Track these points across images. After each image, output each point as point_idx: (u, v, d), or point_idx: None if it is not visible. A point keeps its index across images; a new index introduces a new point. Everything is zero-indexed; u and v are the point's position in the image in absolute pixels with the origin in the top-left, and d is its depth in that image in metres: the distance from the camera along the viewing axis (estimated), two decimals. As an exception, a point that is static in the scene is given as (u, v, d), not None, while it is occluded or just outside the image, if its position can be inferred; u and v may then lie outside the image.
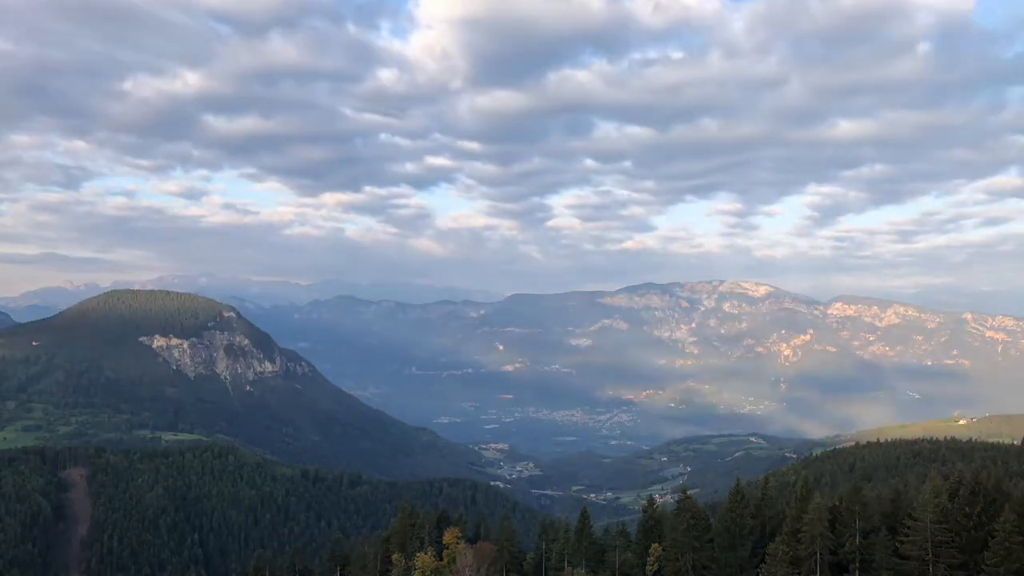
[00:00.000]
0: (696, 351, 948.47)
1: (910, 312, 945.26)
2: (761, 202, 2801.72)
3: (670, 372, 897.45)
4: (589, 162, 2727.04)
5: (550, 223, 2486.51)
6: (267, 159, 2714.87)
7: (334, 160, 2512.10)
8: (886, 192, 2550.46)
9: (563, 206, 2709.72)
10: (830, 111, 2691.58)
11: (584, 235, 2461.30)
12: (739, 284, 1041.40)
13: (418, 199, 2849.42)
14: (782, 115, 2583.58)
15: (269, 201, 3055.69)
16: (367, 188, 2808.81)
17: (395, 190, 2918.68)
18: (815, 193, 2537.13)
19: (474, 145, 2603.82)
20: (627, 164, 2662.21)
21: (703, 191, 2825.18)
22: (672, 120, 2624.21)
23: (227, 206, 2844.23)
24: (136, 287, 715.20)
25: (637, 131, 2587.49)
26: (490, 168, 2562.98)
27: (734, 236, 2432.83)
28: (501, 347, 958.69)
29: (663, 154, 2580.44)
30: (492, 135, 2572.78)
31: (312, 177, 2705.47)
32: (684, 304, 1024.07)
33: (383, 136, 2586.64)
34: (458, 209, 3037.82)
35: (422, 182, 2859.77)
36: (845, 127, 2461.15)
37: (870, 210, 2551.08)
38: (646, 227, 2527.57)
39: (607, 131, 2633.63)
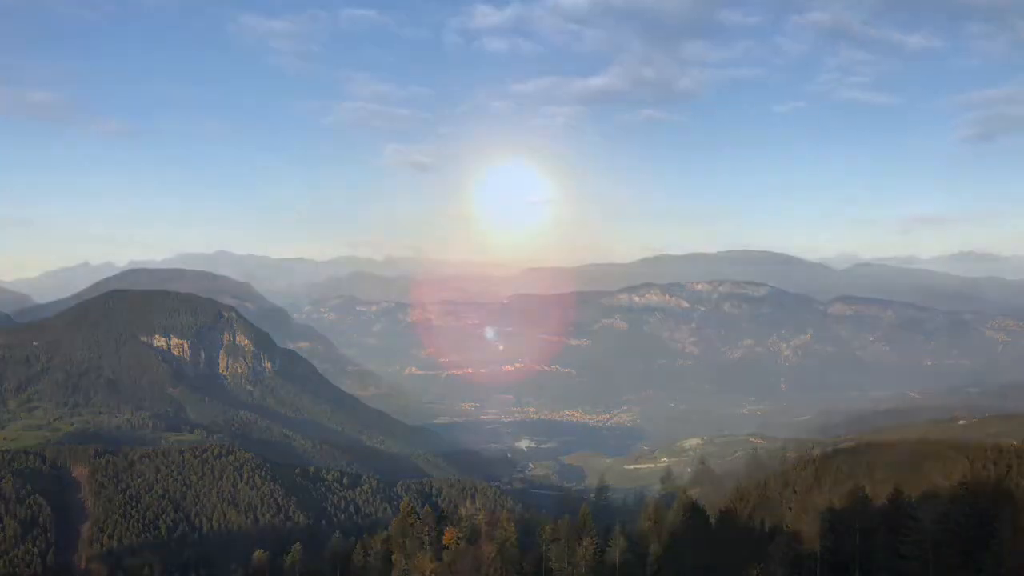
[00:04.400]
0: (696, 351, 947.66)
1: (910, 312, 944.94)
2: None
3: (670, 372, 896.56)
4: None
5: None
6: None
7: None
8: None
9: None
10: None
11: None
12: (740, 284, 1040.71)
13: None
14: None
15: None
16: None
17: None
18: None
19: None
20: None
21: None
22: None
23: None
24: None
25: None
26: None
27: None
28: (501, 347, 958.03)
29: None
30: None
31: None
32: (684, 304, 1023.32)
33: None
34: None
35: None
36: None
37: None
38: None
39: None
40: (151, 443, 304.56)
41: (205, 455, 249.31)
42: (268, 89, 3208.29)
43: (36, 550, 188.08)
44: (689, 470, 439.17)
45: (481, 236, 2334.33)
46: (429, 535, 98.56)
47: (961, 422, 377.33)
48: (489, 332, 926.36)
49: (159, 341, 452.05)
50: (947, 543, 67.26)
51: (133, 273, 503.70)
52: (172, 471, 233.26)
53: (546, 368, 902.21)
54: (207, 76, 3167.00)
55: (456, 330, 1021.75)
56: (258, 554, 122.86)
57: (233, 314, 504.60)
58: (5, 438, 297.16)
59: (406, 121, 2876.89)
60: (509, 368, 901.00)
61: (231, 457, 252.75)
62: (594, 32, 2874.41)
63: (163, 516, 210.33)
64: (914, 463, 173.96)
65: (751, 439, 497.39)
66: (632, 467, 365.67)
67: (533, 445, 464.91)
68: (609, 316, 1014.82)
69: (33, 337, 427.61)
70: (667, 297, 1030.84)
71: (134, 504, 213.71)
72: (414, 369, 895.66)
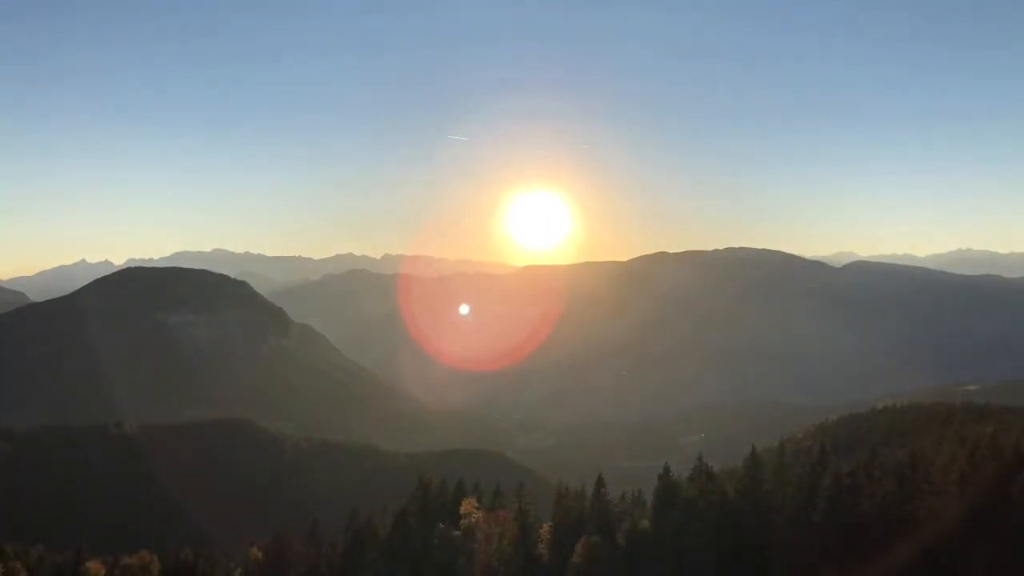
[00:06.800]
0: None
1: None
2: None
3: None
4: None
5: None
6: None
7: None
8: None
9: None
10: None
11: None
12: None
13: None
14: None
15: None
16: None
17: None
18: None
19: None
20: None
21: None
22: None
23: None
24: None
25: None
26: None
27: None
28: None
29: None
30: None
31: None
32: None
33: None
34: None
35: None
36: None
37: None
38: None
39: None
40: (169, 419, 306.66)
41: (222, 430, 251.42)
42: (268, 88, 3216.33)
43: (56, 526, 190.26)
44: (703, 435, 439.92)
45: (479, 234, 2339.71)
46: (444, 505, 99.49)
47: (971, 387, 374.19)
48: (487, 328, 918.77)
49: (174, 318, 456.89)
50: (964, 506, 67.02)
51: (131, 271, 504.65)
52: (190, 447, 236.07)
53: (545, 365, 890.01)
54: (207, 75, 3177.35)
55: (454, 327, 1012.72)
56: (278, 526, 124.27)
57: (247, 290, 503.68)
58: (24, 417, 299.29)
59: (406, 120, 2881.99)
60: (507, 364, 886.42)
61: (248, 431, 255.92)
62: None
63: (185, 491, 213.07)
64: (930, 427, 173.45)
65: (768, 405, 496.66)
66: (628, 465, 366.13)
67: (531, 442, 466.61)
68: (607, 313, 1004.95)
69: (49, 315, 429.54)
70: (662, 293, 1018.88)
71: (152, 480, 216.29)
72: (412, 366, 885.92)
